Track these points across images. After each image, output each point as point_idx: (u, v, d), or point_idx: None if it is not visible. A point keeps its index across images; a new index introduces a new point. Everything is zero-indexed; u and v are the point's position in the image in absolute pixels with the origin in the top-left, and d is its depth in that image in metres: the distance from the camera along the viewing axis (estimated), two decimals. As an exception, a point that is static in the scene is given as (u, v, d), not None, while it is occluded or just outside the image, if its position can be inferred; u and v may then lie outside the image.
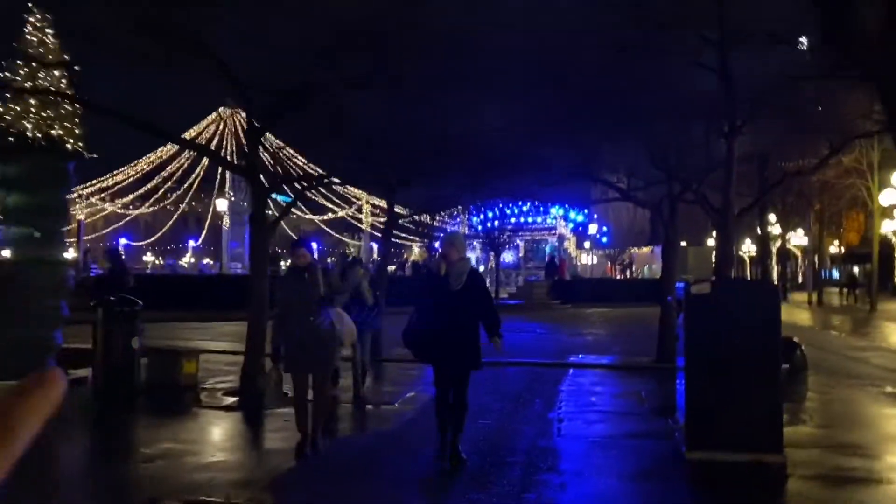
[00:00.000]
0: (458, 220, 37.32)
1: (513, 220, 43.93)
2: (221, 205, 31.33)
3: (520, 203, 45.87)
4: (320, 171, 17.58)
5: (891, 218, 27.67)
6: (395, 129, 12.24)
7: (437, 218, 36.55)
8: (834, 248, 50.18)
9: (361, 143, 12.19)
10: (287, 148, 21.73)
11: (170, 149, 43.30)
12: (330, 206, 37.08)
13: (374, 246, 57.90)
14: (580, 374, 11.38)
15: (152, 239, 55.64)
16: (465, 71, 11.71)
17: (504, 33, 11.63)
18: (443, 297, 5.80)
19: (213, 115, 44.47)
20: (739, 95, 8.41)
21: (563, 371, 11.48)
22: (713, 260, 16.78)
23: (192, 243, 58.11)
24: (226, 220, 35.15)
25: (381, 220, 40.26)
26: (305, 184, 14.00)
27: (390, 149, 12.34)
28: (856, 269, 50.93)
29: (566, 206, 48.31)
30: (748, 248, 47.64)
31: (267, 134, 18.09)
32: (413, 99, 12.03)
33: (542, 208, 46.58)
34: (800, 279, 51.06)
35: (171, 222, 52.34)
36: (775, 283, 29.25)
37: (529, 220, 46.30)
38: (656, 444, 6.91)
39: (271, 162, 41.54)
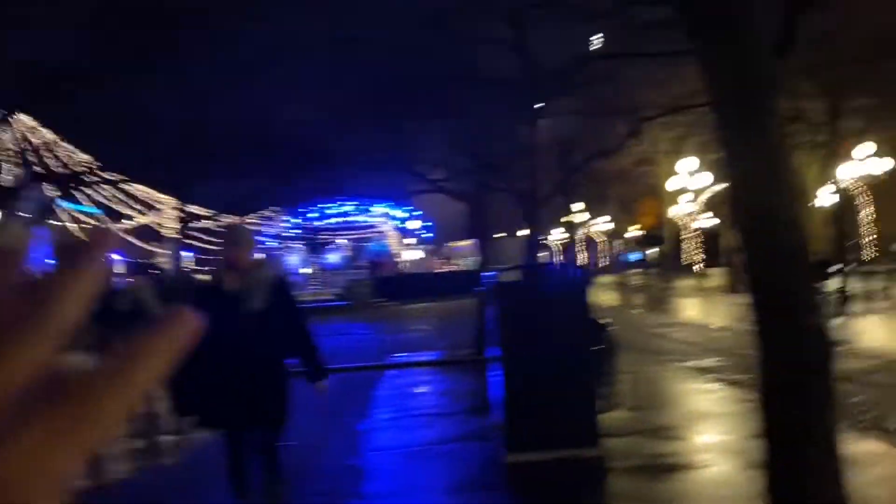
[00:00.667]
0: (273, 220, 35.58)
1: (336, 220, 42.88)
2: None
3: (342, 202, 45.01)
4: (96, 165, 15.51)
5: (676, 203, 30.25)
6: (183, 121, 10.91)
7: (250, 220, 34.56)
8: (630, 233, 54.43)
9: (144, 136, 10.73)
10: (62, 142, 19.12)
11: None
12: (130, 213, 33.70)
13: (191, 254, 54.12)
14: (399, 375, 10.77)
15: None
16: (262, 56, 10.68)
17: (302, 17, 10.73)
18: (231, 323, 3.75)
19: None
20: (540, 75, 8.19)
21: (381, 373, 10.81)
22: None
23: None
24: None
25: (195, 225, 37.41)
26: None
27: (178, 142, 10.99)
28: (651, 251, 55.74)
29: (391, 203, 48.18)
30: (559, 236, 50.32)
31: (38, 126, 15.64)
32: (202, 89, 10.78)
33: (365, 207, 46.01)
34: (604, 263, 54.80)
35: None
36: (581, 267, 30.89)
37: (354, 219, 45.48)
38: (476, 449, 6.40)
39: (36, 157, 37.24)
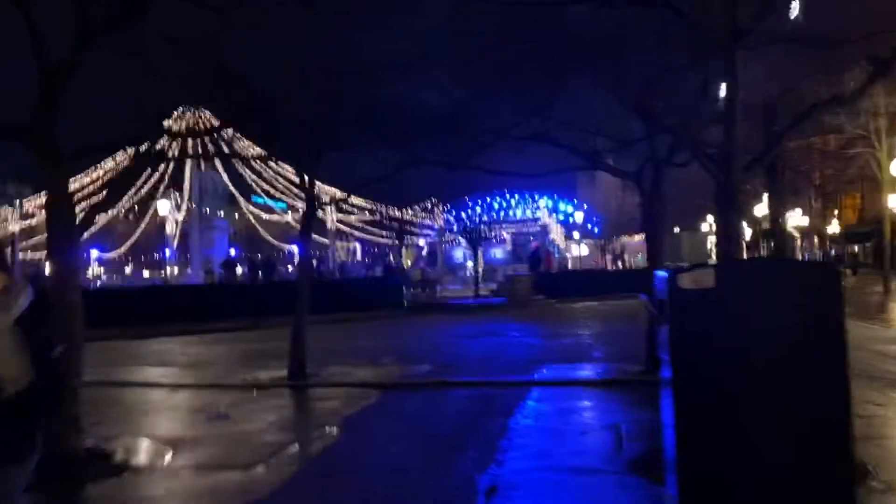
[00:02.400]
0: (433, 214, 34.65)
1: (497, 213, 41.36)
2: (163, 207, 28.51)
3: (504, 194, 43.38)
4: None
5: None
6: (304, 91, 9.62)
7: (411, 212, 33.91)
8: (832, 228, 47.56)
9: (262, 105, 9.56)
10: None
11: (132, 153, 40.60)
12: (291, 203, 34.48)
13: (358, 246, 55.28)
14: (546, 397, 8.73)
15: (121, 249, 52.88)
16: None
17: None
18: None
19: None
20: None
21: (523, 393, 8.81)
22: (710, 245, 14.13)
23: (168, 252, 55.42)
24: (170, 226, 32.29)
25: (354, 216, 37.68)
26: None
27: (298, 112, 9.73)
28: (856, 249, 48.45)
29: (554, 196, 45.86)
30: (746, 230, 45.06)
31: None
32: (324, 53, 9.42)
33: (529, 199, 44.16)
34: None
35: (140, 230, 49.53)
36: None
37: (517, 213, 43.77)
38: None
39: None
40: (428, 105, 9.55)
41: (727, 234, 6.45)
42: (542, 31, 7.06)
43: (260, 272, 27.43)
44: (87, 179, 41.75)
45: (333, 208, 31.49)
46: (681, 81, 7.88)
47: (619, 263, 46.73)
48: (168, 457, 6.14)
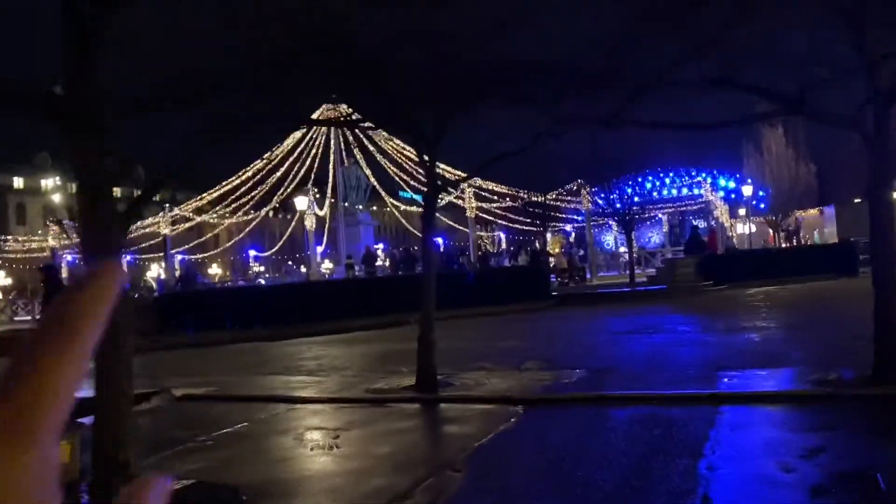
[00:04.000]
0: (579, 196, 32.16)
1: (653, 194, 38.17)
2: (301, 203, 28.31)
3: (659, 175, 40.04)
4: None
5: None
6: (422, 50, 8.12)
7: (553, 197, 31.65)
8: None
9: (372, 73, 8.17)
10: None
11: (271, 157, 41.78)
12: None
13: (502, 235, 53.67)
14: (743, 421, 6.53)
15: (275, 248, 54.97)
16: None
17: None
18: None
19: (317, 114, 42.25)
20: None
21: (709, 413, 6.65)
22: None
23: (319, 249, 56.87)
24: (310, 221, 32.17)
25: (495, 204, 35.96)
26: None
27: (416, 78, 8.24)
28: None
29: (714, 172, 41.79)
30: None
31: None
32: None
33: (686, 177, 40.52)
34: None
35: (290, 229, 51.09)
36: None
37: (672, 192, 40.27)
38: None
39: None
40: (575, 54, 7.63)
41: None
42: None
43: (400, 266, 26.59)
44: (237, 181, 43.36)
45: (471, 194, 29.99)
46: None
47: (794, 241, 41.59)
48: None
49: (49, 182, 45.42)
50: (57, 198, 42.22)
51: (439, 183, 9.44)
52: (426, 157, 9.18)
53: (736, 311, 16.40)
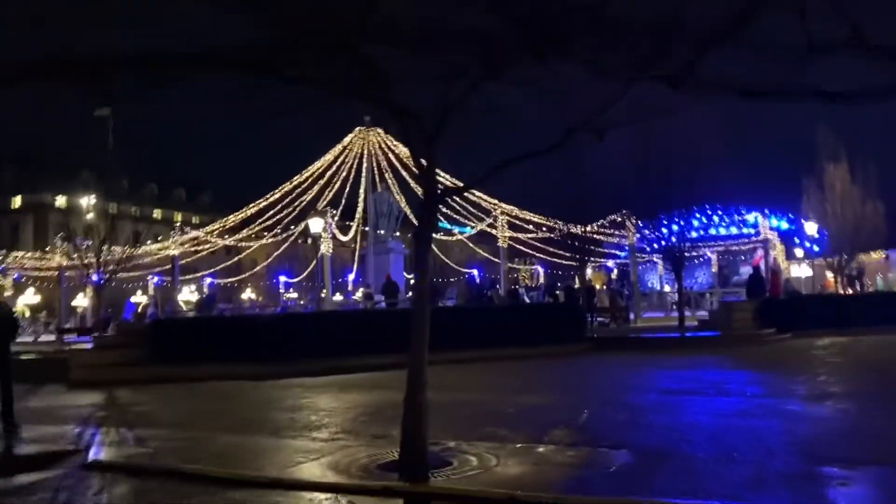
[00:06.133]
0: (624, 230, 29.47)
1: (698, 232, 35.14)
2: (316, 225, 26.18)
3: (707, 211, 37.16)
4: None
5: None
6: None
7: (594, 229, 29.00)
8: None
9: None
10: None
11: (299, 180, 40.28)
12: (460, 219, 31.20)
13: (541, 270, 51.02)
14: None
15: (303, 275, 53.24)
16: None
17: None
18: None
19: (350, 137, 40.61)
20: None
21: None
22: None
23: (351, 277, 55.09)
24: (325, 245, 30.10)
25: (531, 235, 33.46)
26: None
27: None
28: None
29: (765, 210, 38.72)
30: None
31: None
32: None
33: (735, 215, 37.51)
34: None
35: (319, 254, 49.30)
36: None
37: (720, 231, 37.25)
38: None
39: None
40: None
41: None
42: None
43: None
44: (265, 203, 41.82)
45: (504, 222, 27.55)
46: None
47: (857, 286, 37.99)
48: None
49: (86, 200, 44.37)
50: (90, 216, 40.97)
51: (440, 189, 7.13)
52: (421, 156, 6.88)
53: (812, 369, 13.58)
